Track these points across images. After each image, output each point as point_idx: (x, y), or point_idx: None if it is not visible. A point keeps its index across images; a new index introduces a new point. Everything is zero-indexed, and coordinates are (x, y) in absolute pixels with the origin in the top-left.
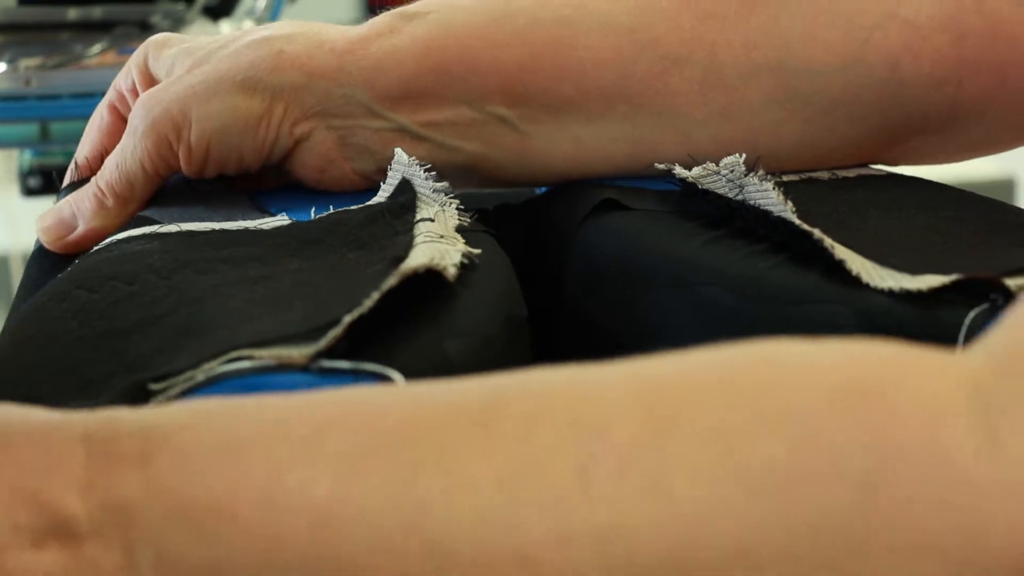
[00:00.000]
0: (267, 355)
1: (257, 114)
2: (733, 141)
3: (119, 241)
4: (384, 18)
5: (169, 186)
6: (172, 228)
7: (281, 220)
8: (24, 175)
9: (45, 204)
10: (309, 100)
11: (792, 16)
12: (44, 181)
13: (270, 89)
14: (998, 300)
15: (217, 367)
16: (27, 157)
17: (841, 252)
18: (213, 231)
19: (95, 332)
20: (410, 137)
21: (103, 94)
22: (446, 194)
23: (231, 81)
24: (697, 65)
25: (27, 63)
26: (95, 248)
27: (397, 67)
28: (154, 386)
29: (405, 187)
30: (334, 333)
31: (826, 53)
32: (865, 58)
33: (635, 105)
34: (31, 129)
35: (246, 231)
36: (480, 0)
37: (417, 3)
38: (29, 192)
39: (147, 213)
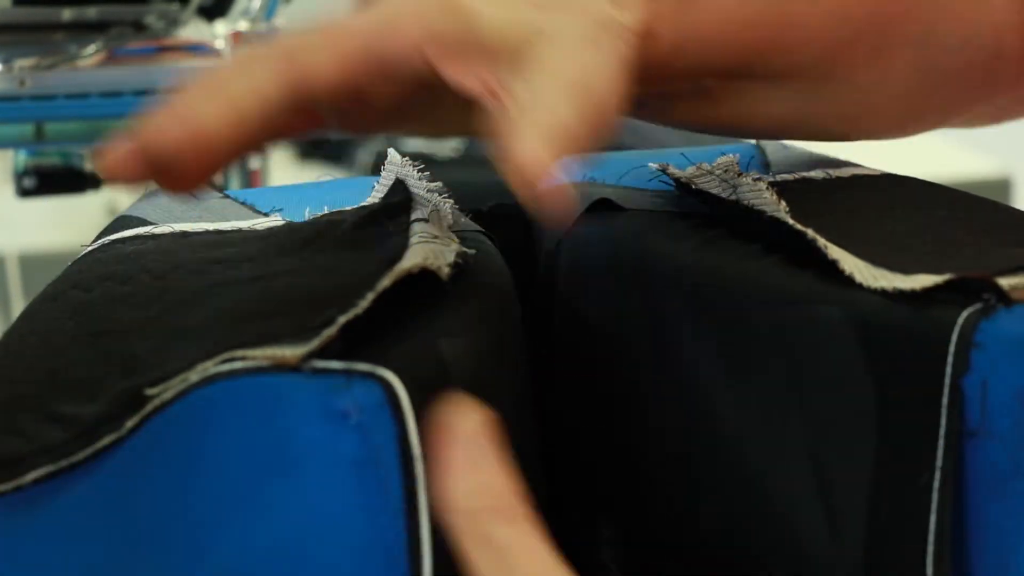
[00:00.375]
0: (260, 355)
1: None
2: (879, 108)
3: (113, 241)
4: None
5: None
6: (165, 229)
7: (275, 221)
8: (19, 176)
9: (40, 205)
10: None
11: None
12: (39, 182)
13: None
14: (991, 300)
15: (211, 367)
16: (22, 158)
17: (834, 252)
18: (207, 231)
19: (89, 332)
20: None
21: (98, 94)
22: (440, 194)
23: None
24: (870, 37)
25: (21, 63)
26: (88, 249)
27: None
28: (150, 390)
29: (399, 187)
30: (328, 333)
31: (957, 30)
32: (980, 35)
33: (823, 74)
34: (26, 129)
35: (239, 231)
36: None
37: None
38: (24, 193)
39: (140, 214)
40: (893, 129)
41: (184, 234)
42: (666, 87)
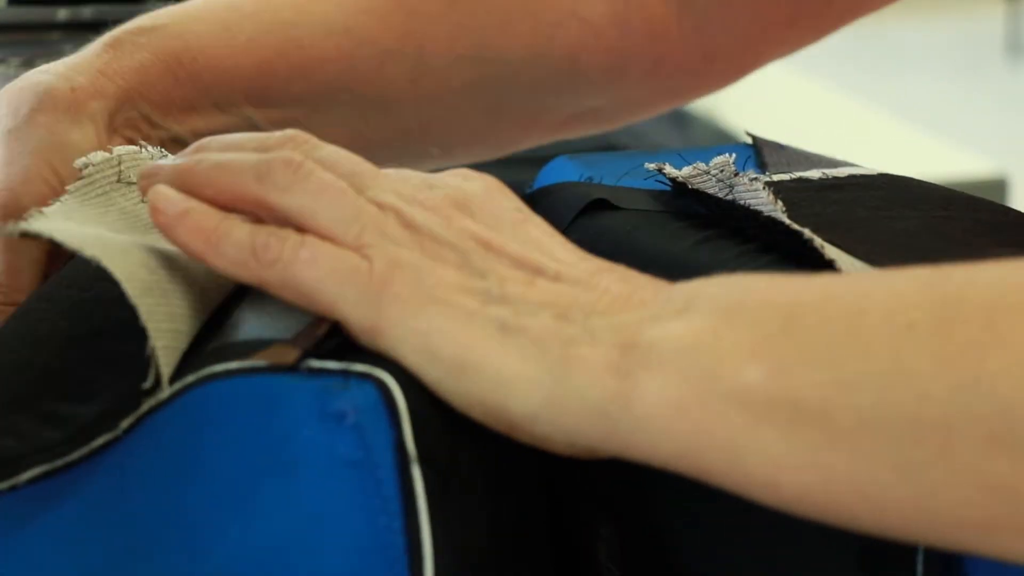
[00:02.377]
0: (258, 354)
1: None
2: (436, 122)
3: None
4: (118, 36)
5: None
6: None
7: None
8: None
9: None
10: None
11: (488, 12)
12: None
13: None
14: None
15: (208, 368)
16: None
17: (831, 252)
18: None
19: (84, 331)
20: (183, 146)
21: None
22: None
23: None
24: (408, 57)
25: (16, 63)
26: None
27: (155, 82)
28: (145, 385)
29: None
30: (323, 330)
31: (517, 45)
32: (551, 52)
33: (357, 95)
34: None
35: None
36: (207, 9)
37: (148, 17)
38: None
39: None
40: (475, 142)
41: None
42: (205, 116)
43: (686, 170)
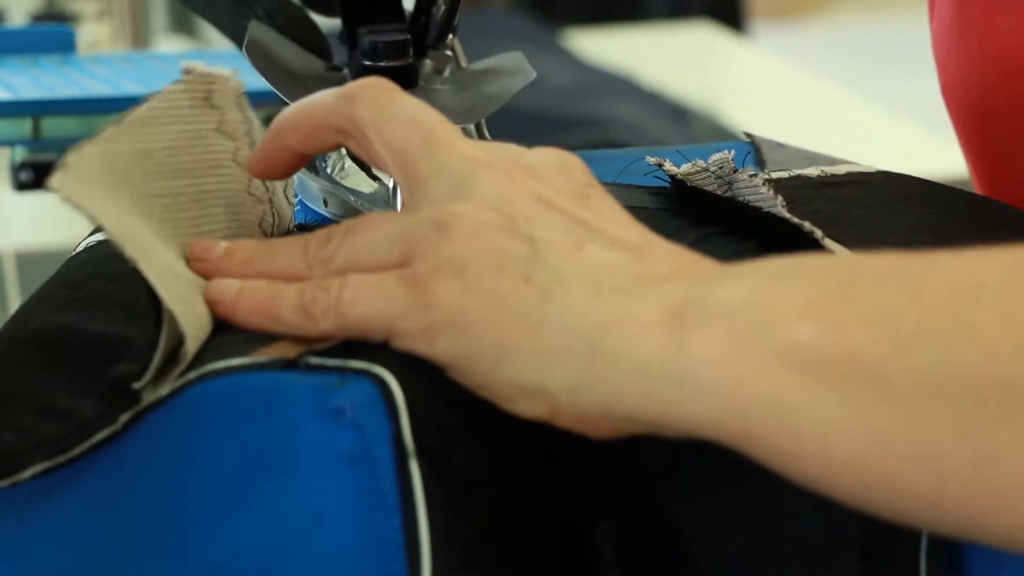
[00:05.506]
0: (259, 351)
1: None
2: None
3: (101, 242)
4: None
5: None
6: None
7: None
8: (15, 170)
9: (37, 199)
10: None
11: None
12: (36, 175)
13: None
14: None
15: (208, 364)
16: (19, 151)
17: (832, 246)
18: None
19: (81, 329)
20: None
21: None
22: None
23: None
24: None
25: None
26: (79, 249)
27: None
28: (140, 383)
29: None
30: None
31: None
32: None
33: None
34: (24, 125)
35: None
36: None
37: None
38: (21, 187)
39: None
40: None
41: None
42: None
43: (685, 167)
